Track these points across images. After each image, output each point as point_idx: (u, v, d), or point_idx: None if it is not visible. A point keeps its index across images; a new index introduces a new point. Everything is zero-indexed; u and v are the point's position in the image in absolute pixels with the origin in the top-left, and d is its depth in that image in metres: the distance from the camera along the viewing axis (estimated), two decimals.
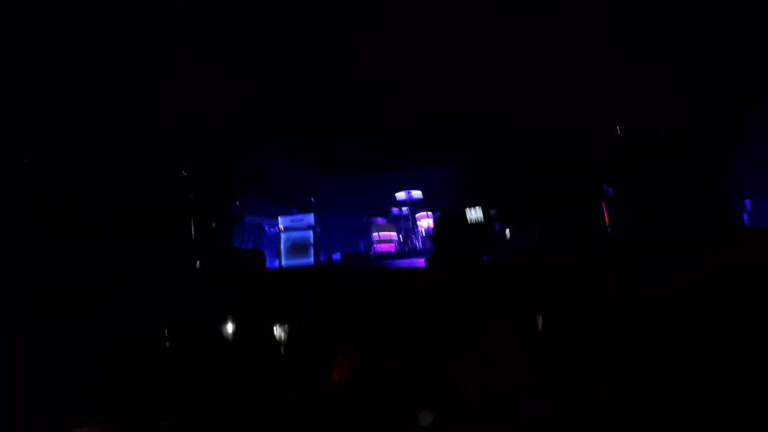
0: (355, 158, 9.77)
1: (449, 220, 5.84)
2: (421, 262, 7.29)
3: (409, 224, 9.27)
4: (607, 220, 6.75)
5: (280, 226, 8.81)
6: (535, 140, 7.72)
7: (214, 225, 7.58)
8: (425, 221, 9.13)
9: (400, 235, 9.21)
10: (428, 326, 4.27)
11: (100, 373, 3.50)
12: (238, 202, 9.29)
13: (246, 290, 5.19)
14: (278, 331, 4.68)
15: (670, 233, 6.18)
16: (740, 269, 4.27)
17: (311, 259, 8.54)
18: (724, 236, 5.92)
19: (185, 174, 7.96)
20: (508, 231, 7.43)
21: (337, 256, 8.96)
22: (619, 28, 7.42)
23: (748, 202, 7.75)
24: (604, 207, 6.84)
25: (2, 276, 4.95)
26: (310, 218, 8.84)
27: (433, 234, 5.89)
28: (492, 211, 8.01)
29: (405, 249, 9.03)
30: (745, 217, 7.65)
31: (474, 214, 6.83)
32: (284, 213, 9.08)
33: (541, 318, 4.28)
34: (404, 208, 9.43)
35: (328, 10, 7.07)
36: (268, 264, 7.67)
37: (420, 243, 9.07)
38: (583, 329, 3.95)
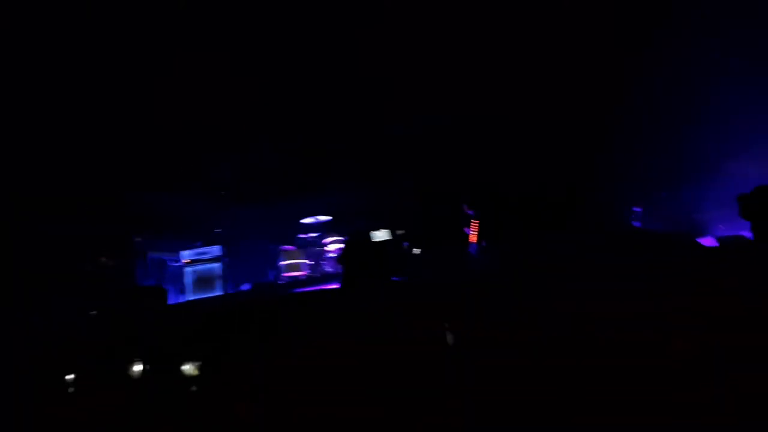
0: (259, 187, 9.66)
1: (356, 243, 5.88)
2: (332, 286, 7.27)
3: (318, 249, 9.23)
4: (474, 238, 7.14)
5: (184, 260, 8.49)
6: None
7: (105, 261, 7.21)
8: (334, 245, 9.12)
9: (310, 261, 9.14)
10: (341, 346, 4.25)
11: None
12: (138, 238, 8.87)
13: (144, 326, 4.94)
14: (186, 368, 4.51)
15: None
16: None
17: (219, 292, 8.29)
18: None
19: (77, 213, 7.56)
20: (415, 250, 7.58)
21: (246, 287, 8.75)
22: None
23: (638, 209, 8.17)
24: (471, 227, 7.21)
25: None
26: (216, 250, 8.59)
27: (340, 257, 5.91)
28: (399, 232, 8.16)
29: (316, 274, 8.96)
30: (637, 224, 8.12)
31: (381, 235, 6.93)
32: (188, 246, 8.77)
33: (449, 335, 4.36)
34: (312, 234, 9.38)
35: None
36: (172, 300, 7.36)
37: (331, 267, 9.03)
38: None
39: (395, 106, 8.36)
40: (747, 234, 6.30)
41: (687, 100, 7.98)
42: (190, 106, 7.91)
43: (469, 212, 7.46)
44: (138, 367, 4.56)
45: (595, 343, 3.70)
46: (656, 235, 7.48)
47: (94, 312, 6.32)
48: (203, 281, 8.35)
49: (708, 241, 6.49)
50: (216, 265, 8.52)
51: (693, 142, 7.77)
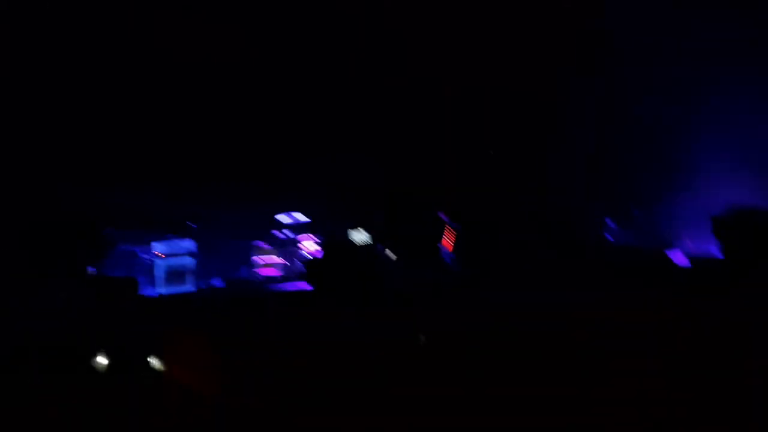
0: (236, 183, 9.56)
1: (335, 244, 5.87)
2: (306, 285, 7.23)
3: (293, 248, 9.17)
4: (450, 245, 7.22)
5: (156, 253, 8.35)
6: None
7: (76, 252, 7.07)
8: (309, 244, 9.06)
9: (284, 259, 9.08)
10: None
11: None
12: (108, 229, 8.68)
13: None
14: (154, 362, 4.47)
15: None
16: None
17: (191, 287, 8.18)
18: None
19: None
20: (389, 252, 7.60)
21: (218, 282, 8.64)
22: None
23: (608, 220, 8.29)
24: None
25: None
26: (189, 243, 8.47)
27: (321, 259, 5.89)
28: (372, 233, 8.15)
29: (290, 273, 8.89)
30: (608, 236, 8.25)
31: (359, 236, 6.93)
32: (160, 238, 8.61)
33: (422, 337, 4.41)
34: (287, 232, 9.32)
35: None
36: (143, 291, 7.24)
37: (304, 266, 8.97)
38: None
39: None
40: (714, 251, 6.48)
41: (664, 112, 8.18)
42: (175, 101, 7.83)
43: (445, 219, 7.52)
44: (104, 361, 4.50)
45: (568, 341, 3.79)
46: (628, 249, 7.62)
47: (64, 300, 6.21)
48: (175, 274, 8.24)
49: (677, 256, 6.66)
50: (188, 260, 8.41)
51: (667, 157, 7.96)
